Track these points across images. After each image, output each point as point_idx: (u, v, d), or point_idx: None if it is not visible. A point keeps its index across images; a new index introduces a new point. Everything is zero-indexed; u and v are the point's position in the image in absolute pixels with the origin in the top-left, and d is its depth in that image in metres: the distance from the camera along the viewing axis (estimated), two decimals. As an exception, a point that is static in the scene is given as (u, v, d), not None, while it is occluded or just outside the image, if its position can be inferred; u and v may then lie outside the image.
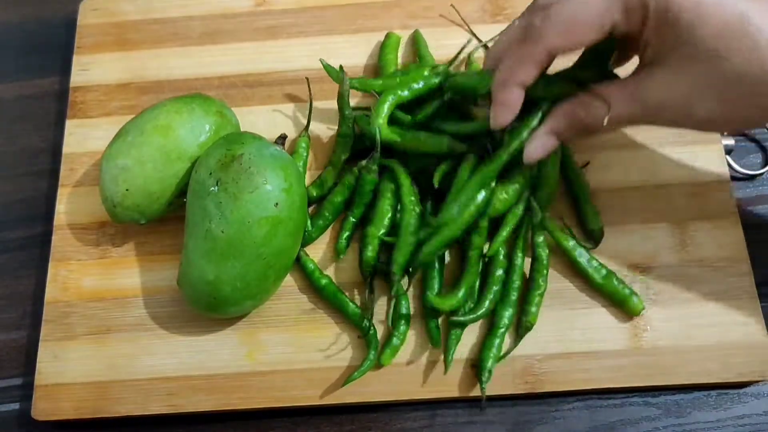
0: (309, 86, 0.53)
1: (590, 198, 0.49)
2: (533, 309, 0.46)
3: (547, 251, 0.47)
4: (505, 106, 0.42)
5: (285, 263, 0.46)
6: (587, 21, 0.38)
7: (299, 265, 0.49)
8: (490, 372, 0.45)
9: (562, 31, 0.39)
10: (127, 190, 0.47)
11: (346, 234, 0.49)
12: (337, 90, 0.50)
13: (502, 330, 0.46)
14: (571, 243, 0.48)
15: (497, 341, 0.46)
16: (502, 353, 0.46)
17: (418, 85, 0.49)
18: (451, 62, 0.52)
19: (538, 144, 0.43)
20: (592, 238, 0.49)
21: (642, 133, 0.52)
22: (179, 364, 0.48)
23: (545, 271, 0.47)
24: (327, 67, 0.51)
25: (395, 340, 0.46)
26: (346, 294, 0.48)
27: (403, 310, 0.47)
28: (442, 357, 0.47)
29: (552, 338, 0.47)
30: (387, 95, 0.48)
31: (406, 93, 0.48)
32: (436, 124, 0.48)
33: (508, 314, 0.46)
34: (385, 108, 0.48)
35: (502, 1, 0.57)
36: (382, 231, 0.47)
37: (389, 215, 0.48)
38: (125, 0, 0.59)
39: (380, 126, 0.47)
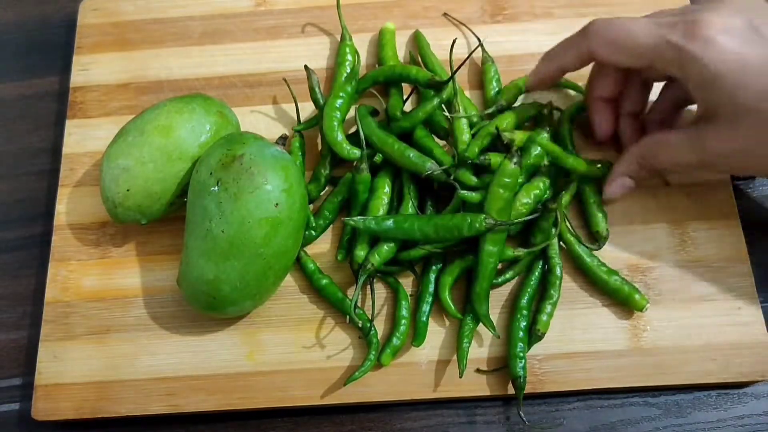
0: (289, 87, 0.53)
1: (599, 202, 0.49)
2: (544, 318, 0.46)
3: (561, 263, 0.48)
4: (538, 75, 0.50)
5: (285, 263, 0.46)
6: (626, 46, 0.43)
7: (299, 265, 0.49)
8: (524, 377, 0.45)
9: (604, 43, 0.44)
10: (128, 190, 0.47)
11: (347, 237, 0.49)
12: (329, 89, 0.50)
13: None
14: (575, 239, 0.48)
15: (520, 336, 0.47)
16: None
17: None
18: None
19: (617, 185, 0.48)
20: (596, 241, 0.49)
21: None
22: (180, 364, 0.48)
23: (558, 282, 0.47)
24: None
25: (395, 340, 0.46)
26: (347, 294, 0.48)
27: (404, 311, 0.47)
28: (440, 357, 0.47)
29: (552, 338, 0.47)
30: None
31: None
32: (421, 139, 0.49)
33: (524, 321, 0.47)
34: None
35: (503, 1, 0.57)
36: (378, 260, 0.47)
37: (380, 213, 0.48)
38: (125, 0, 0.59)
39: (366, 127, 0.49)
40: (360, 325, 0.47)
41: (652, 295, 0.48)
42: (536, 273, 0.48)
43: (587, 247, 0.48)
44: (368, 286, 0.48)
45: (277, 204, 0.44)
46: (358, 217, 0.47)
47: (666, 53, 0.41)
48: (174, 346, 0.48)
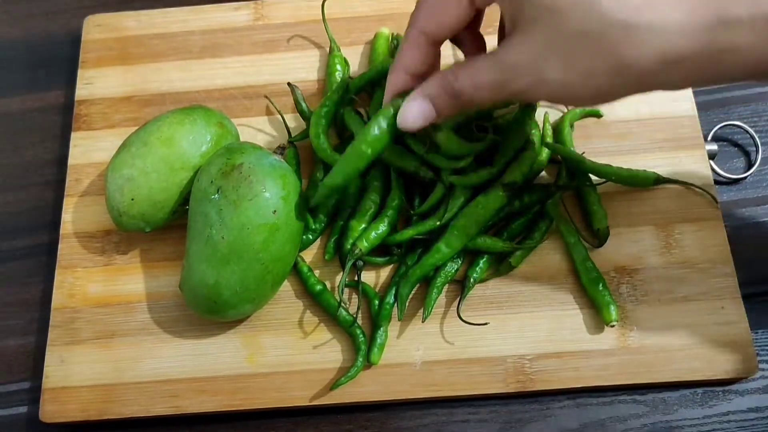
0: (272, 103, 0.55)
1: (599, 199, 0.51)
2: (519, 253, 0.49)
3: (557, 212, 0.50)
4: (389, 89, 0.43)
5: (283, 268, 0.47)
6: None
7: (296, 270, 0.51)
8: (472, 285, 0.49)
9: (428, 11, 0.40)
10: (132, 199, 0.48)
11: (335, 237, 0.51)
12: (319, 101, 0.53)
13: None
14: (573, 239, 0.50)
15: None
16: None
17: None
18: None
19: (413, 106, 0.41)
20: (597, 238, 0.50)
21: (629, 140, 0.54)
22: (182, 366, 0.49)
23: (545, 228, 0.50)
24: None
25: (379, 339, 0.48)
26: (341, 301, 0.49)
27: (385, 309, 0.49)
28: (434, 358, 0.48)
29: (542, 338, 0.48)
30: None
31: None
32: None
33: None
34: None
35: (492, 15, 0.59)
36: (364, 225, 0.49)
37: (372, 210, 0.50)
38: (128, 16, 0.61)
39: (355, 128, 0.50)
40: (345, 304, 0.49)
41: (638, 296, 0.49)
42: (528, 215, 0.50)
43: (584, 246, 0.50)
44: (354, 292, 0.50)
45: (275, 211, 0.45)
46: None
47: None
48: (177, 350, 0.50)
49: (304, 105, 0.54)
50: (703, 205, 0.52)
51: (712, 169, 0.53)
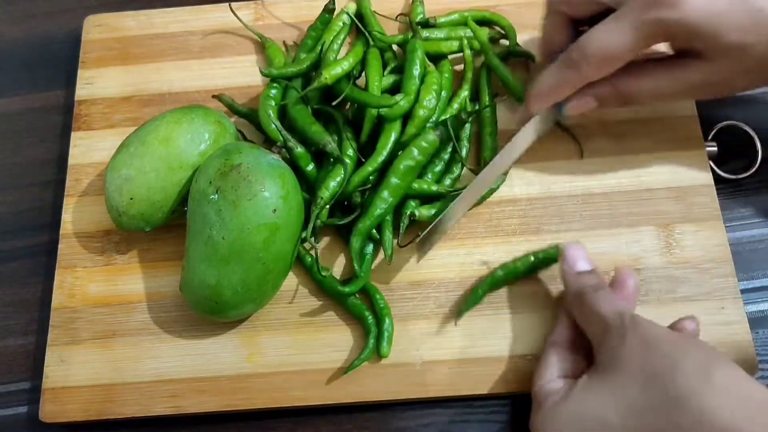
0: (234, 102, 0.56)
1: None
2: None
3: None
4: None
5: (283, 267, 0.47)
6: (617, 54, 0.45)
7: (298, 261, 0.50)
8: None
9: (596, 64, 0.45)
10: (131, 199, 0.48)
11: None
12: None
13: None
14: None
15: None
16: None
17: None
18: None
19: (583, 103, 0.48)
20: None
21: (629, 141, 0.54)
22: (182, 366, 0.49)
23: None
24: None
25: (386, 332, 0.48)
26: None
27: (381, 303, 0.49)
28: (436, 358, 0.48)
29: (541, 338, 0.48)
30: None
31: None
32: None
33: None
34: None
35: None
36: (327, 193, 0.49)
37: (333, 180, 0.49)
38: (128, 16, 0.61)
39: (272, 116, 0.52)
40: (328, 271, 0.49)
41: (639, 296, 0.49)
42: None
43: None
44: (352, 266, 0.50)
45: (274, 210, 0.45)
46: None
47: (654, 33, 0.44)
48: (177, 350, 0.50)
49: (238, 106, 0.55)
50: (703, 205, 0.52)
51: (712, 169, 0.53)
